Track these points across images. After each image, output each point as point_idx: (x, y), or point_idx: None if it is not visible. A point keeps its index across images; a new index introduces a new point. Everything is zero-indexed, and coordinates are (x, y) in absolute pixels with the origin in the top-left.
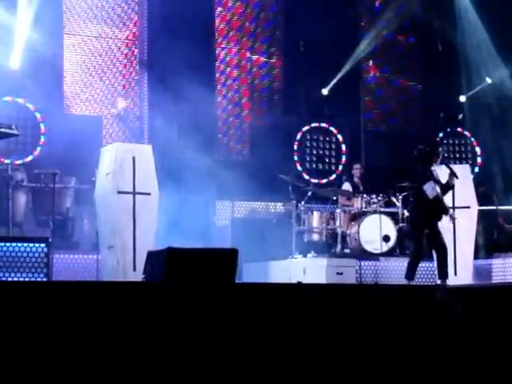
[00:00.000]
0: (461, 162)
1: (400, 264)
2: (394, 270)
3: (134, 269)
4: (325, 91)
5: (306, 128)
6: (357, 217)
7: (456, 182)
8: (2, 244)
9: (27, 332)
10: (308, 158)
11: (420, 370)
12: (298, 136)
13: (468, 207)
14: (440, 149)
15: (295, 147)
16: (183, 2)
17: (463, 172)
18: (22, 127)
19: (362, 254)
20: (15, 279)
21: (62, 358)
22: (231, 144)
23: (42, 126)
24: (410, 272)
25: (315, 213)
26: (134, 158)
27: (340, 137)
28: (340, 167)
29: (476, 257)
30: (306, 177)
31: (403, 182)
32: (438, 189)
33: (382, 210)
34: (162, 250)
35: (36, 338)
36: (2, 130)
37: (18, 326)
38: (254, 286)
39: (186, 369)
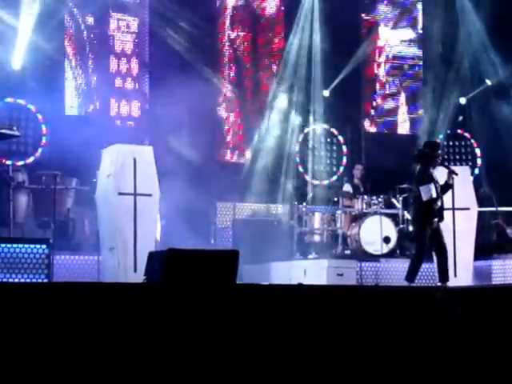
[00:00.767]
0: (461, 164)
1: (400, 265)
2: (395, 271)
3: (135, 270)
4: (326, 92)
5: (307, 129)
6: (357, 218)
7: (456, 183)
8: (3, 245)
9: (28, 333)
10: (309, 160)
11: (421, 371)
12: (300, 137)
13: (468, 209)
14: (440, 151)
15: (297, 148)
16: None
17: (463, 173)
18: (24, 128)
19: (363, 256)
20: (16, 280)
21: (62, 359)
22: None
23: (44, 127)
24: (412, 274)
25: (316, 214)
26: (134, 160)
27: (341, 138)
28: (341, 168)
29: (476, 258)
30: (308, 178)
31: (404, 183)
32: (434, 192)
33: (383, 211)
34: (163, 251)
35: (37, 339)
36: (4, 130)
37: (18, 327)
38: (254, 287)
39: (187, 370)
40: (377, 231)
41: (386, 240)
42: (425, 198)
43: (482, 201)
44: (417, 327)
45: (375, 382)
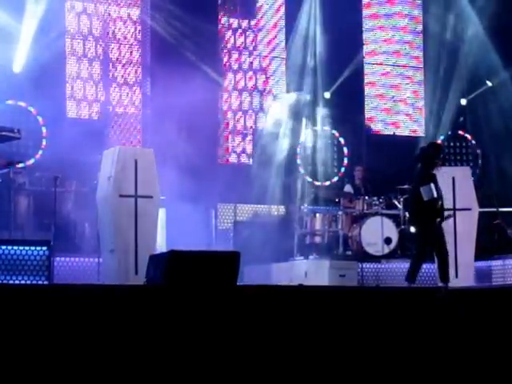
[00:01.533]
0: (462, 164)
1: (401, 266)
2: (396, 272)
3: (136, 272)
4: (327, 94)
5: (308, 131)
6: (358, 219)
7: (457, 184)
8: (4, 247)
9: (29, 334)
10: (310, 161)
11: (421, 371)
12: (301, 139)
13: (469, 209)
14: (442, 155)
15: (298, 150)
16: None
17: (464, 174)
18: (24, 130)
19: (364, 256)
20: (17, 282)
21: (63, 360)
22: (234, 147)
23: (44, 130)
24: (412, 275)
25: (317, 215)
26: (135, 162)
27: (342, 139)
28: (342, 170)
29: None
30: (309, 179)
31: (404, 184)
32: (434, 192)
33: (384, 212)
34: (164, 253)
35: (37, 340)
36: (4, 133)
37: (19, 328)
38: (255, 288)
39: (189, 370)
40: (378, 232)
41: (387, 241)
42: (426, 197)
43: (482, 201)
44: (418, 327)
45: (376, 381)
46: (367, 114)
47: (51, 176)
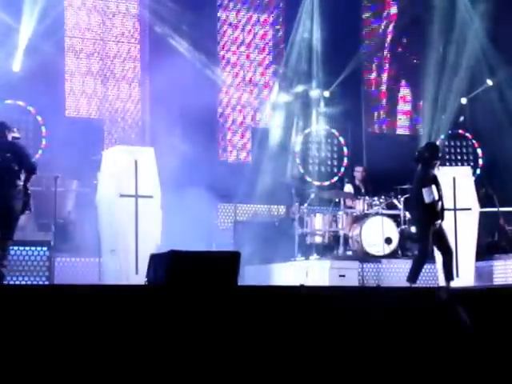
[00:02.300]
0: (462, 164)
1: (402, 266)
2: (397, 272)
3: (137, 272)
4: (326, 93)
5: (308, 130)
6: (359, 219)
7: (457, 184)
8: None
9: (29, 335)
10: (310, 161)
11: (422, 372)
12: (301, 138)
13: (469, 209)
14: (440, 154)
15: (297, 150)
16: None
17: (464, 174)
18: (24, 130)
19: (365, 257)
20: (17, 282)
21: (64, 360)
22: (234, 146)
23: (44, 129)
24: (414, 276)
25: (318, 215)
26: (136, 161)
27: (342, 139)
28: (342, 169)
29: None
30: (309, 179)
31: (405, 184)
32: (436, 194)
33: (384, 212)
34: (165, 252)
35: (38, 341)
36: None
37: (19, 329)
38: (256, 288)
39: (190, 371)
40: (378, 232)
41: (388, 241)
42: (427, 200)
43: (482, 201)
44: (419, 328)
45: (377, 382)
46: (367, 114)
47: (51, 176)
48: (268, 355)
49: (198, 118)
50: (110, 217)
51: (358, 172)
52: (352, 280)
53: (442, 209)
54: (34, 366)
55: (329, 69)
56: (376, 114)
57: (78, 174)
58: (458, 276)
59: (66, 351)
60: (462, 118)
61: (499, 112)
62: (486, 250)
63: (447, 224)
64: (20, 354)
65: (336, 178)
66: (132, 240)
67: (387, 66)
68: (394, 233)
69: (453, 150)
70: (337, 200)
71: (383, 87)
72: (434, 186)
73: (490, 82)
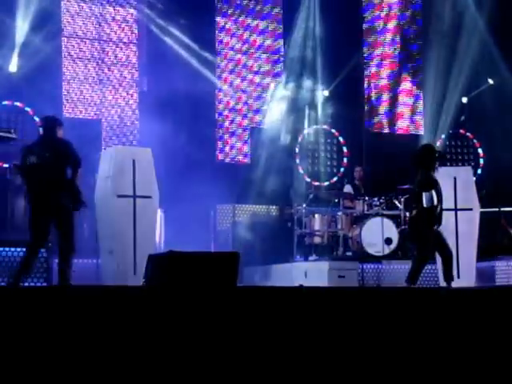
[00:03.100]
0: (463, 164)
1: (402, 267)
2: (396, 273)
3: (135, 273)
4: (326, 92)
5: (307, 130)
6: (358, 219)
7: (458, 184)
8: (2, 249)
9: (28, 336)
10: (309, 161)
11: (422, 372)
12: (300, 138)
13: (470, 209)
14: (437, 154)
15: (296, 150)
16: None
17: (465, 174)
18: (21, 131)
19: (364, 257)
20: None
21: (62, 361)
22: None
23: (41, 130)
24: (414, 277)
25: (317, 215)
26: (133, 161)
27: (341, 139)
28: (341, 170)
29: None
30: (308, 179)
31: (405, 184)
32: (435, 200)
33: (384, 212)
34: (163, 253)
35: (36, 342)
36: (1, 134)
37: (18, 331)
38: (255, 289)
39: (188, 373)
40: (378, 232)
41: (388, 241)
42: (425, 204)
43: (482, 201)
44: (419, 328)
45: (377, 382)
46: (367, 113)
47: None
48: (268, 356)
49: (196, 119)
50: (107, 217)
51: (356, 172)
52: (352, 281)
53: (441, 213)
54: (33, 367)
55: (328, 68)
56: (376, 113)
57: None
58: (458, 277)
59: (65, 352)
60: (462, 118)
61: (500, 112)
62: (488, 250)
63: (448, 224)
64: (19, 356)
65: (335, 179)
66: (130, 240)
67: (388, 65)
68: (393, 233)
69: (453, 150)
70: (336, 200)
71: (383, 87)
72: (433, 192)
73: (491, 81)
